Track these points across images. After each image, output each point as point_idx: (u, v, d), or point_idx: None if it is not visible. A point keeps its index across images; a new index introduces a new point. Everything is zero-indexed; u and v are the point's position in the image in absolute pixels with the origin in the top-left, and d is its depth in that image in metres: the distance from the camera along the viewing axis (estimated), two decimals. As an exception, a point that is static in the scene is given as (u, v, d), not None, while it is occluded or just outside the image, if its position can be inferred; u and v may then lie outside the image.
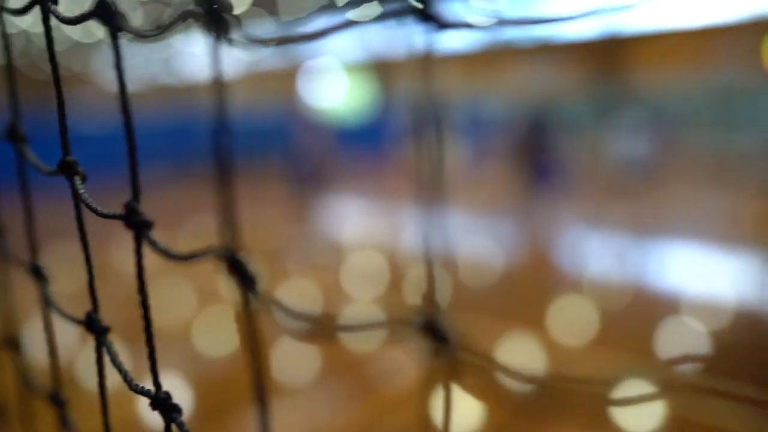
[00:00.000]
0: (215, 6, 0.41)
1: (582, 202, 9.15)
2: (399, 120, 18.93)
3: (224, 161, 0.44)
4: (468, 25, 0.44)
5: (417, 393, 2.88)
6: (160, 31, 0.44)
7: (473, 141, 17.60)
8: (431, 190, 0.47)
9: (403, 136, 12.82)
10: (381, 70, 29.17)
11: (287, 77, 26.20)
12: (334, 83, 26.70)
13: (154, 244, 0.49)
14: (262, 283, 0.45)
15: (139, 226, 0.48)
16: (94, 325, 0.52)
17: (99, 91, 19.88)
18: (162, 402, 0.49)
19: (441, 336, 0.41)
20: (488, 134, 18.08)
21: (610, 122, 22.33)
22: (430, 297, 0.44)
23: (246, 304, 0.46)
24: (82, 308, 0.54)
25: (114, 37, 0.45)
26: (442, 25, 0.41)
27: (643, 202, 8.97)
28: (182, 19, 0.42)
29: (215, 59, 0.43)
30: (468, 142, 17.41)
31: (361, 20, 0.41)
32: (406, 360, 3.27)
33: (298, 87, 25.32)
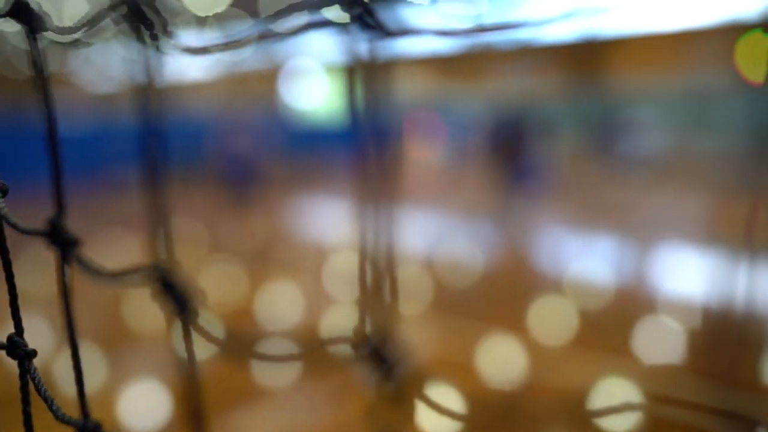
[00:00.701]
0: (140, 4, 0.38)
1: (560, 203, 9.23)
2: (381, 122, 18.86)
3: (155, 174, 0.40)
4: (415, 32, 0.41)
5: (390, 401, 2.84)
6: (81, 30, 0.40)
7: (452, 143, 17.65)
8: (383, 194, 0.44)
9: (384, 138, 12.73)
10: (362, 71, 29.03)
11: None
12: (313, 85, 26.62)
13: (82, 263, 0.45)
14: (196, 303, 0.41)
15: (64, 244, 0.44)
16: (16, 350, 0.48)
17: (76, 91, 19.57)
18: (91, 433, 0.46)
19: (386, 365, 0.38)
20: (467, 136, 18.13)
21: (588, 124, 22.66)
22: (378, 322, 0.41)
23: (180, 323, 0.42)
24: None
25: (32, 38, 0.42)
26: (387, 33, 0.38)
27: (622, 203, 9.07)
28: (104, 17, 0.39)
29: (144, 63, 0.40)
30: (447, 144, 17.46)
31: (298, 29, 0.38)
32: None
33: (272, 89, 25.15)
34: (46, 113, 0.45)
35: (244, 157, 9.41)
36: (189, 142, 12.05)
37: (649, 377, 3.07)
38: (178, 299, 0.41)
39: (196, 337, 0.43)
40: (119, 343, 3.64)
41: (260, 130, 12.08)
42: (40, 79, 0.44)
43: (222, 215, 8.24)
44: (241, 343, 0.37)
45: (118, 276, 0.43)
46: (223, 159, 9.92)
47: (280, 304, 4.35)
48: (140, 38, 0.41)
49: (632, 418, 2.67)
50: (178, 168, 10.98)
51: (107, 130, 11.98)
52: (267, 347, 0.43)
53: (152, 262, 0.40)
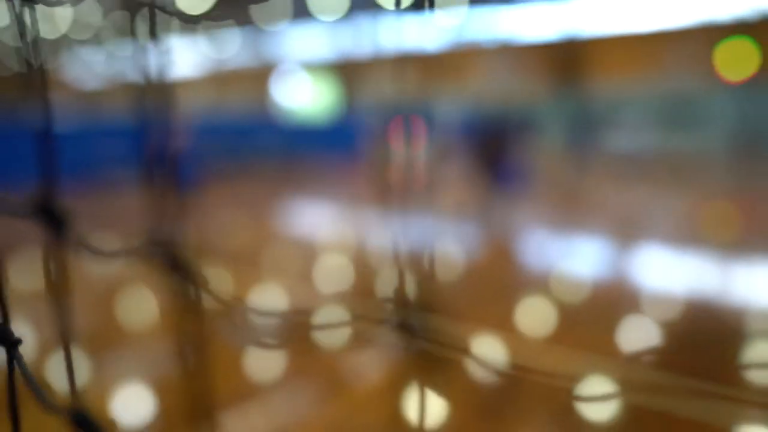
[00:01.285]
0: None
1: (541, 201, 9.32)
2: (366, 121, 18.94)
3: (166, 163, 0.39)
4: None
5: (387, 390, 2.84)
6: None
7: (434, 142, 17.68)
8: (399, 191, 0.43)
9: (369, 137, 12.80)
10: (348, 70, 29.23)
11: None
12: (299, 84, 26.53)
13: (82, 244, 0.43)
14: (211, 283, 0.40)
15: (58, 222, 0.42)
16: (5, 339, 0.46)
17: (63, 88, 19.36)
18: (82, 421, 0.44)
19: (413, 332, 0.37)
20: (451, 136, 18.18)
21: (568, 124, 22.78)
22: (401, 295, 0.40)
23: (190, 305, 0.41)
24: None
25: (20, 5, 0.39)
26: None
27: (603, 201, 9.16)
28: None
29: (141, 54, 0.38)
30: (429, 143, 17.49)
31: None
32: (375, 358, 3.23)
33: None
34: (39, 86, 0.43)
35: (180, 157, 9.36)
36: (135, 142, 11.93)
37: (629, 371, 3.10)
38: (184, 276, 0.39)
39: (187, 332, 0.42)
40: (114, 338, 3.59)
41: (203, 130, 12.03)
42: (29, 51, 0.42)
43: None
44: (275, 320, 0.35)
45: (123, 254, 0.41)
46: (158, 160, 9.85)
47: (269, 300, 4.32)
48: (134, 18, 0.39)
49: (612, 408, 2.70)
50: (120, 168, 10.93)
51: (94, 128, 11.84)
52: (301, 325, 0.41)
53: (157, 240, 0.38)
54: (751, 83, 20.49)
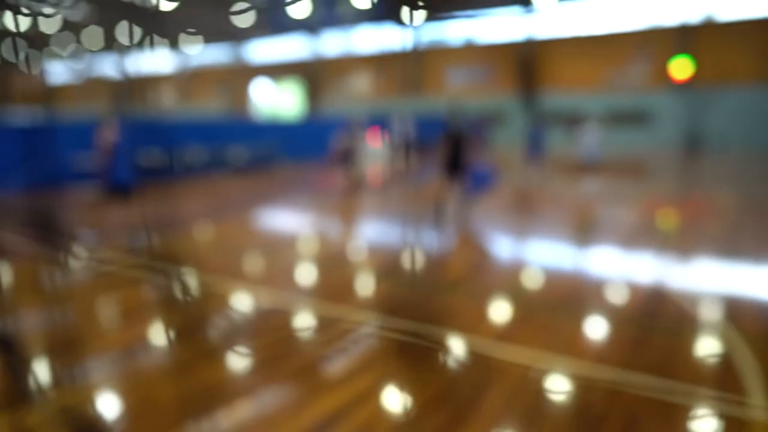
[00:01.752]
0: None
1: (505, 200, 9.45)
2: (338, 123, 18.85)
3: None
4: None
5: (364, 384, 2.87)
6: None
7: (404, 143, 17.69)
8: (371, 191, 0.43)
9: (341, 138, 12.69)
10: (320, 73, 29.12)
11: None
12: (273, 87, 26.38)
13: (68, 249, 0.43)
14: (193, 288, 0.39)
15: (47, 229, 0.42)
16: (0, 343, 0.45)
17: (39, 88, 18.90)
18: (73, 420, 0.43)
19: (385, 329, 0.37)
20: (419, 136, 18.20)
21: (529, 123, 23.05)
22: (373, 294, 0.41)
23: (172, 306, 0.40)
24: None
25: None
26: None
27: (560, 200, 9.35)
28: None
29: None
30: (400, 144, 17.52)
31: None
32: (350, 354, 3.25)
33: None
34: (19, 89, 0.42)
35: (120, 154, 9.14)
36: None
37: (584, 363, 3.18)
38: (164, 278, 0.39)
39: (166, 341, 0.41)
40: (100, 340, 3.53)
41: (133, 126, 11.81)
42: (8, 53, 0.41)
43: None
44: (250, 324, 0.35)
45: (106, 258, 0.41)
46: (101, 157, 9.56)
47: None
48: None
49: (566, 394, 2.78)
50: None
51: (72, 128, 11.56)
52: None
53: (135, 245, 0.38)
54: (693, 84, 22.05)
